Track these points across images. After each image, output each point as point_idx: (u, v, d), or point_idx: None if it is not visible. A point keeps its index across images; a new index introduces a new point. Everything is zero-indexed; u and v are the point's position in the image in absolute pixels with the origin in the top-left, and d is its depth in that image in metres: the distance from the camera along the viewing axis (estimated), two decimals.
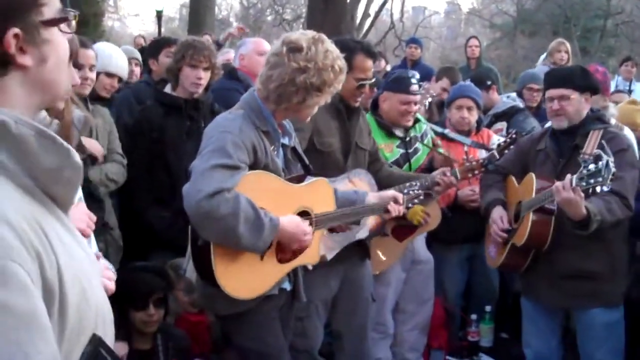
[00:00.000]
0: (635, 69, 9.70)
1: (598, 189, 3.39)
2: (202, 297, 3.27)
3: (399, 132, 4.66)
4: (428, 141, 4.83)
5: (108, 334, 1.43)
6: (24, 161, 1.29)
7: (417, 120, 4.78)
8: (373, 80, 3.97)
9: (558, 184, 3.55)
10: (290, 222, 3.03)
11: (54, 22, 1.38)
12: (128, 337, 3.64)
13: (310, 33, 3.13)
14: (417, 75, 4.70)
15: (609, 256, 3.93)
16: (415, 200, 3.90)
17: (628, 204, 3.76)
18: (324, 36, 3.13)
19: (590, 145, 3.87)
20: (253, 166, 2.97)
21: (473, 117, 5.19)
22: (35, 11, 1.34)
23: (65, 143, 1.34)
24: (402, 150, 4.64)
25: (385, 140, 4.57)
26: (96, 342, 1.35)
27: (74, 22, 1.45)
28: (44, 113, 1.90)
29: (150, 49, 5.89)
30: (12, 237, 1.17)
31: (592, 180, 3.39)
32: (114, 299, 1.68)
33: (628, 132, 4.66)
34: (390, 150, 4.55)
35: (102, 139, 4.12)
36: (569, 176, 3.50)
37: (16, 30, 1.30)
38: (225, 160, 2.83)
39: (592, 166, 3.40)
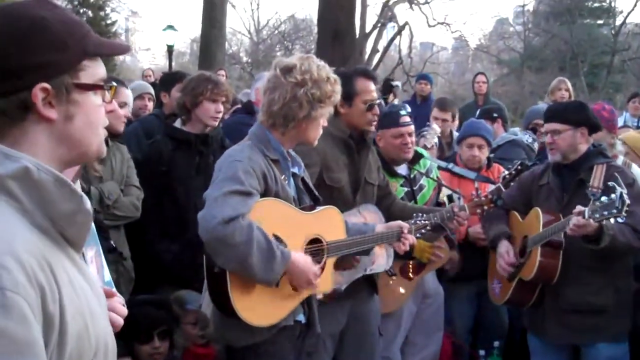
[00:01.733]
0: None
1: (612, 220, 3.40)
2: (217, 328, 3.25)
3: (402, 171, 4.67)
4: (433, 176, 4.83)
5: None
6: (42, 204, 1.39)
7: (420, 157, 4.79)
8: (379, 100, 4.01)
9: (574, 219, 3.55)
10: (302, 258, 3.05)
11: (86, 87, 1.48)
12: None
13: (299, 54, 3.24)
14: (408, 108, 4.71)
15: (615, 290, 3.92)
16: (423, 231, 3.90)
17: None
18: (312, 55, 3.24)
19: (597, 178, 3.88)
20: (264, 194, 3.00)
21: (483, 154, 5.19)
22: (71, 74, 1.45)
23: (79, 190, 1.45)
24: (406, 189, 4.63)
25: (390, 179, 4.53)
26: None
27: (108, 94, 1.55)
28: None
29: (164, 83, 5.92)
30: (19, 271, 1.27)
31: (605, 212, 3.40)
32: (119, 333, 1.73)
33: (636, 169, 4.65)
34: (394, 190, 4.52)
35: (118, 174, 4.14)
36: (579, 208, 3.51)
37: (45, 85, 1.40)
38: (238, 186, 2.87)
39: (604, 198, 3.41)
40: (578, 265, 3.84)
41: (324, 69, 3.15)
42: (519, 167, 4.31)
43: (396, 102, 9.53)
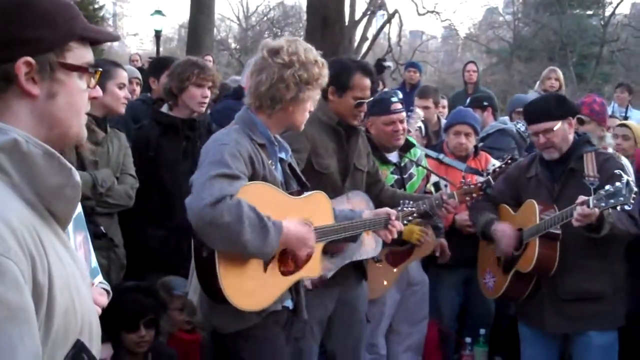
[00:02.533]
0: (626, 94, 9.74)
1: (619, 208, 3.41)
2: (205, 315, 3.23)
3: (392, 158, 4.65)
4: (423, 165, 4.81)
5: (94, 346, 1.50)
6: (30, 178, 1.39)
7: (411, 145, 4.78)
8: (371, 99, 3.99)
9: (579, 208, 3.53)
10: (294, 225, 3.04)
11: (71, 68, 1.49)
12: (118, 356, 3.60)
13: (286, 37, 3.22)
14: (400, 94, 4.69)
15: (611, 275, 3.93)
16: (410, 218, 3.90)
17: (637, 223, 3.78)
18: (299, 38, 3.22)
19: (590, 167, 3.87)
20: (251, 178, 2.98)
21: (471, 142, 5.19)
22: (57, 53, 1.46)
23: (68, 163, 1.44)
24: (396, 176, 4.62)
25: (380, 166, 4.52)
26: (79, 346, 1.42)
27: (93, 80, 1.55)
28: None
29: (153, 68, 5.87)
30: (10, 237, 1.26)
31: (612, 200, 3.40)
32: (104, 320, 1.72)
33: (624, 161, 4.65)
34: (384, 177, 4.51)
35: (114, 161, 4.10)
36: (581, 198, 3.51)
37: (30, 59, 1.41)
38: (224, 169, 2.85)
39: (609, 187, 3.39)
40: (574, 254, 3.83)
41: (311, 52, 3.12)
42: (509, 161, 4.31)
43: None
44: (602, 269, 3.88)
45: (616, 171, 3.50)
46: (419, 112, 5.96)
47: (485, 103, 6.29)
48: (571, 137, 4.02)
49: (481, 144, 5.80)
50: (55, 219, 1.46)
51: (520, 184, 4.20)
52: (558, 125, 3.95)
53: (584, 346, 3.99)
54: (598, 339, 3.94)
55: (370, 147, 4.35)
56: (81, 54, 1.51)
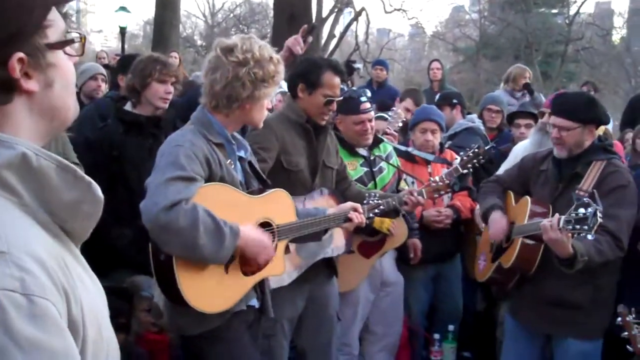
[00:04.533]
0: (593, 92, 9.87)
1: (582, 234, 3.34)
2: (169, 317, 3.16)
3: (362, 151, 4.66)
4: (394, 162, 4.82)
5: None
6: (42, 196, 1.24)
7: (380, 141, 4.79)
8: (340, 97, 3.98)
9: (546, 222, 3.48)
10: (251, 231, 3.00)
11: (59, 45, 1.30)
12: None
13: (239, 35, 3.18)
14: (368, 93, 4.69)
15: (594, 288, 3.84)
16: (376, 210, 3.90)
17: (621, 245, 3.66)
18: (253, 35, 3.20)
19: (589, 180, 3.79)
20: (208, 179, 2.94)
21: (437, 139, 5.21)
22: (40, 34, 1.26)
23: (86, 176, 1.29)
24: (366, 169, 4.63)
25: (349, 158, 4.54)
26: None
27: (78, 45, 1.36)
28: None
29: (121, 66, 5.76)
30: (42, 273, 1.14)
31: (578, 226, 3.32)
32: None
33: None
34: (353, 168, 4.54)
35: (53, 151, 4.02)
36: (556, 216, 3.44)
37: (21, 54, 1.22)
38: (180, 172, 2.81)
39: (581, 210, 3.32)
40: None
41: (265, 49, 3.08)
42: (477, 149, 4.32)
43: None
44: (584, 281, 3.78)
45: (585, 199, 3.38)
46: (400, 112, 5.96)
47: (455, 101, 6.32)
48: (587, 143, 3.89)
49: (449, 142, 5.82)
50: (70, 236, 1.32)
51: (532, 174, 4.15)
52: (576, 127, 3.83)
53: (564, 352, 3.96)
54: (577, 346, 3.88)
55: (338, 141, 4.35)
56: (57, 24, 1.29)
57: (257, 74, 3.00)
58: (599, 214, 3.26)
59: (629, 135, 5.84)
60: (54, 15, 1.29)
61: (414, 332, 5.29)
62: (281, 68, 3.13)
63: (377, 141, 4.73)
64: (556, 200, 3.87)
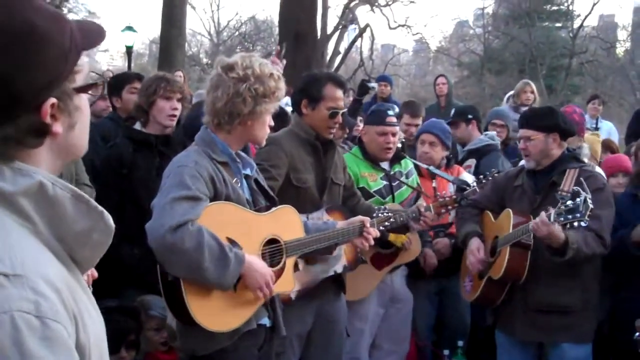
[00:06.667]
0: (602, 107, 9.87)
1: (576, 224, 3.46)
2: (182, 339, 3.15)
3: (383, 165, 4.72)
4: (412, 181, 4.85)
5: None
6: (55, 224, 1.27)
7: (402, 157, 4.84)
8: (345, 110, 4.01)
9: (536, 221, 3.61)
10: (256, 260, 3.01)
11: (85, 89, 1.34)
12: None
13: (240, 53, 3.22)
14: (396, 109, 4.81)
15: (582, 291, 3.99)
16: (386, 223, 3.92)
17: (604, 243, 3.83)
18: (254, 53, 3.23)
19: (567, 182, 3.93)
20: (214, 198, 2.96)
21: (436, 153, 5.18)
22: (70, 79, 1.30)
23: (98, 206, 1.33)
24: (385, 182, 4.68)
25: (370, 170, 4.63)
26: None
27: (99, 89, 1.41)
28: None
29: (112, 87, 5.63)
30: (56, 298, 1.17)
31: (570, 216, 3.46)
32: None
33: (599, 171, 4.72)
34: (374, 180, 4.62)
35: (66, 172, 4.04)
36: (544, 212, 3.57)
37: (53, 100, 1.26)
38: (185, 192, 2.82)
39: (570, 202, 3.46)
40: (547, 266, 3.89)
41: (266, 66, 3.11)
42: (496, 174, 4.43)
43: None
44: (573, 285, 3.96)
45: (575, 188, 3.56)
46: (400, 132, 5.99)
47: (470, 116, 6.23)
48: (555, 152, 4.08)
49: (472, 159, 5.80)
50: (77, 265, 1.35)
51: (507, 191, 4.28)
52: (538, 136, 4.02)
53: (559, 358, 4.04)
54: (571, 351, 3.99)
55: (362, 153, 4.42)
56: (84, 67, 1.34)
57: (258, 90, 3.03)
58: (589, 201, 3.40)
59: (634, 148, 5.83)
60: (82, 59, 1.33)
61: (421, 348, 5.27)
62: (282, 84, 3.16)
63: (398, 157, 4.79)
64: (534, 211, 3.94)
